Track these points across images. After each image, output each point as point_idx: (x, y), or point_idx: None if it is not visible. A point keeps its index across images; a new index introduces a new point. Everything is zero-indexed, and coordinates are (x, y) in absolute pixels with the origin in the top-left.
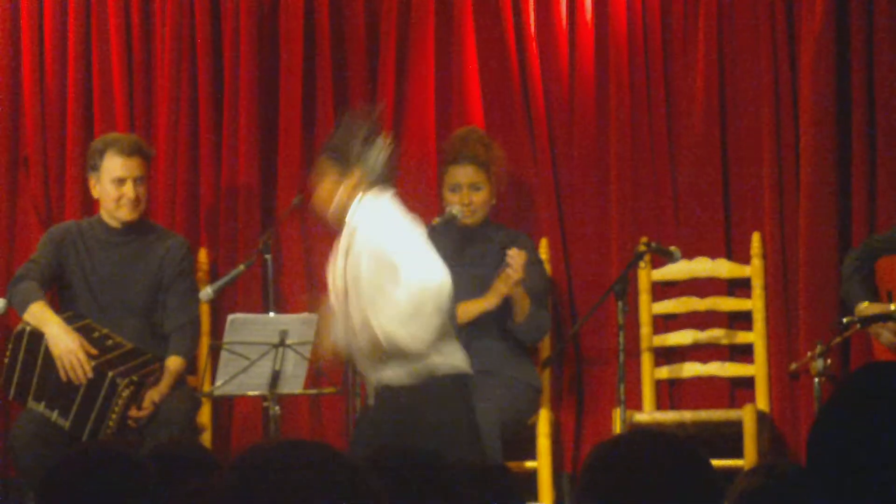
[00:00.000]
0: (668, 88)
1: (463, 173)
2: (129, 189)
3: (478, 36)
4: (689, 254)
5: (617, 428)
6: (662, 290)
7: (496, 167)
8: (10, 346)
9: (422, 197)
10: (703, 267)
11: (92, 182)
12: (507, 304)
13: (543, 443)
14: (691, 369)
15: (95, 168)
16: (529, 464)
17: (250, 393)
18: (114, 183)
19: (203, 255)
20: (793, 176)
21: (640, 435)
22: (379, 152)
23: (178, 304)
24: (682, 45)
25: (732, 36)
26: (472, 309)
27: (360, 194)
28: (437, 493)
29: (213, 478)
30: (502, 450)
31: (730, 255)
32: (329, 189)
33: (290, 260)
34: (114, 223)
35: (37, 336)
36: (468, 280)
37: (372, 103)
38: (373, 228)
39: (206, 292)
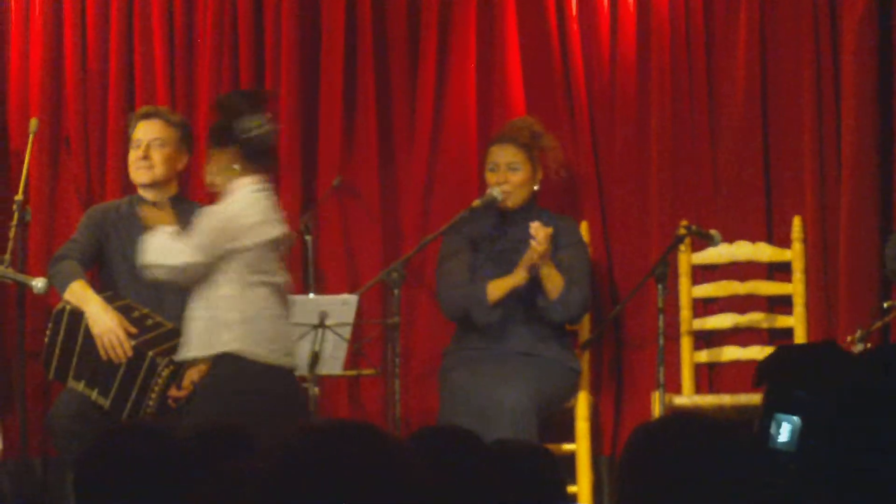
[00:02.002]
0: (710, 72)
1: (501, 152)
2: (141, 150)
3: (519, 20)
4: (729, 237)
5: (656, 411)
6: (702, 273)
7: (543, 154)
8: (50, 325)
9: (462, 182)
10: (743, 250)
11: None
12: (541, 285)
13: (582, 425)
14: (731, 353)
15: (129, 142)
16: (567, 446)
17: None
18: (132, 147)
19: None
20: (834, 160)
21: (682, 417)
22: (251, 135)
23: None
24: (723, 29)
25: (774, 20)
26: (501, 285)
27: (236, 176)
28: (478, 473)
29: (257, 458)
30: (539, 432)
31: (770, 239)
32: (207, 166)
33: (330, 241)
34: (149, 196)
35: (77, 315)
36: (508, 263)
37: (260, 85)
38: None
39: None
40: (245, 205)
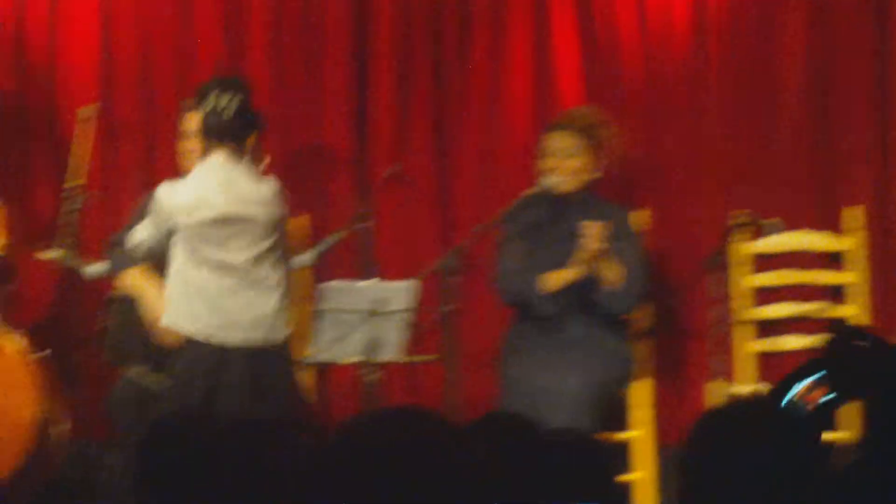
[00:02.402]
0: (768, 59)
1: (558, 139)
2: (192, 141)
3: (576, 5)
4: (788, 226)
5: (712, 401)
6: (760, 262)
7: (604, 144)
8: (107, 311)
9: (517, 171)
10: (802, 239)
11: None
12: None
13: (639, 414)
14: (789, 342)
15: (180, 132)
16: (622, 435)
17: (348, 360)
18: (184, 137)
19: (304, 222)
20: (894, 149)
21: (746, 405)
22: (207, 111)
23: None
24: (781, 16)
25: (833, 5)
26: (557, 278)
27: (205, 154)
28: (535, 460)
29: (317, 442)
30: (596, 420)
31: (830, 228)
32: None
33: (387, 228)
34: None
35: (132, 300)
36: (564, 250)
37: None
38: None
39: (305, 258)
40: (189, 182)
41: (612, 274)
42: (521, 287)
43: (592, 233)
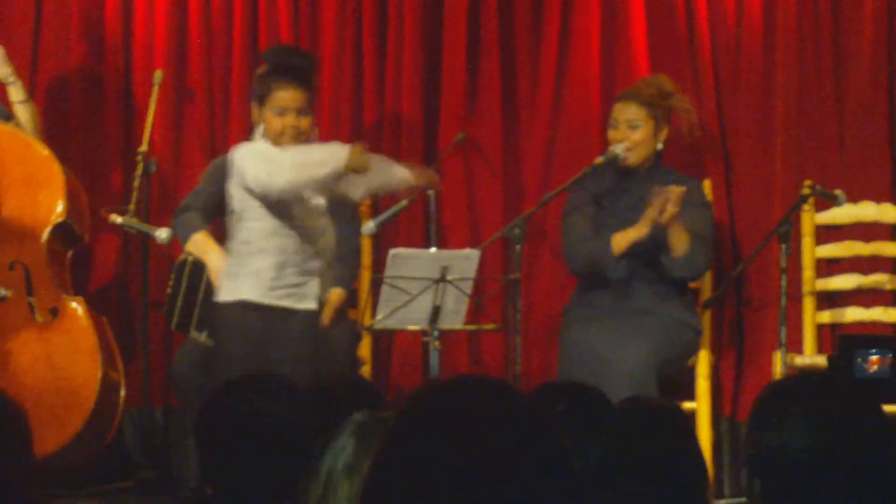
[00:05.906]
0: (836, 31)
1: (623, 110)
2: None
3: None
4: (853, 197)
5: (777, 371)
6: (826, 233)
7: (673, 114)
8: (172, 276)
9: (583, 140)
10: (867, 211)
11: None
12: (665, 242)
13: (703, 384)
14: (853, 314)
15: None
16: (687, 405)
17: (410, 327)
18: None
19: None
20: None
21: (812, 377)
22: None
23: (339, 233)
24: None
25: None
26: (624, 237)
27: None
28: (605, 429)
29: (383, 411)
30: (659, 390)
31: (895, 200)
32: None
33: (452, 196)
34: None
35: (199, 266)
36: (630, 220)
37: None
38: None
39: (369, 227)
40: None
41: (680, 239)
42: (592, 252)
43: (675, 197)
